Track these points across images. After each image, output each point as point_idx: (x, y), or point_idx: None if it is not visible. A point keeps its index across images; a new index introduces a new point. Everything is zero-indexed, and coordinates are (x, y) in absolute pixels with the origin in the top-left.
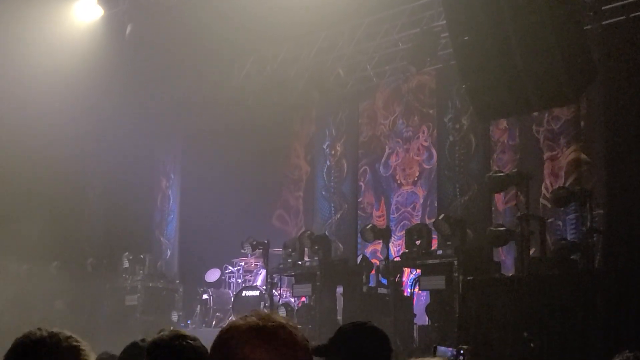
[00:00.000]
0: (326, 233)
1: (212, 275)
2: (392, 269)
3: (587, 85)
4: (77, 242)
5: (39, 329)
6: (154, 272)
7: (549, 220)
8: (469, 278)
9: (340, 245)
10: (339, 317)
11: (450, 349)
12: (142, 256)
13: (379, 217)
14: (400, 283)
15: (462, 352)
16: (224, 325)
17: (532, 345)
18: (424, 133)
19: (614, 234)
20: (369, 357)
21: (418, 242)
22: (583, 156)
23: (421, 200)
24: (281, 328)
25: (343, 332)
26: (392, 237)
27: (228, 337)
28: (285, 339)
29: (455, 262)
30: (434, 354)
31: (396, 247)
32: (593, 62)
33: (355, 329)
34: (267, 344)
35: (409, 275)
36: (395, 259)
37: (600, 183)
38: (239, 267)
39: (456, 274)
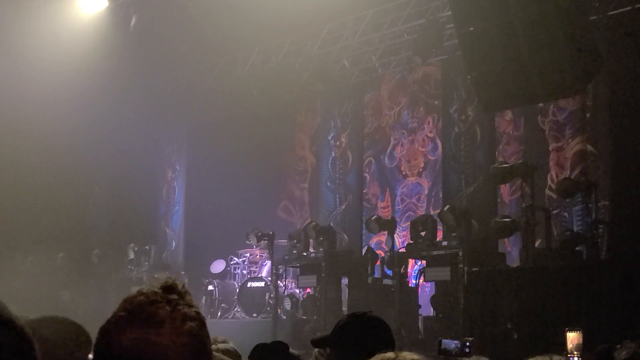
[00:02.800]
0: (331, 224)
1: (217, 266)
2: (397, 260)
3: (593, 76)
4: (83, 233)
5: None
6: (160, 263)
7: (555, 212)
8: (474, 269)
9: (345, 236)
10: (344, 308)
11: (455, 341)
12: (147, 247)
13: (384, 208)
14: (405, 274)
15: (467, 344)
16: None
17: (515, 337)
18: (429, 124)
19: (620, 225)
20: (370, 346)
21: (423, 233)
22: (589, 147)
23: (426, 192)
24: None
25: (343, 323)
26: (397, 228)
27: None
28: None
29: (460, 253)
30: (439, 347)
31: (401, 238)
32: (598, 53)
33: (355, 319)
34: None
35: (413, 267)
36: (400, 250)
37: (606, 174)
38: (244, 258)
39: (461, 265)
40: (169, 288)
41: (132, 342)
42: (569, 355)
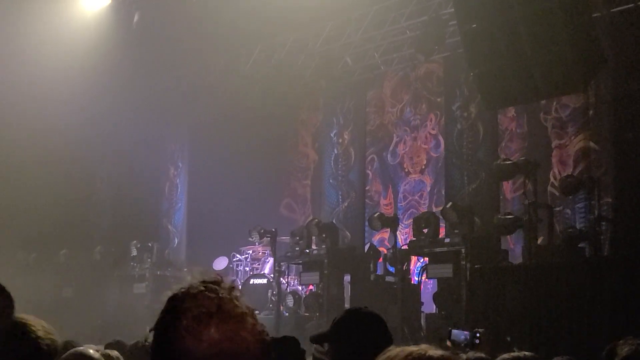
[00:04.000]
0: (334, 221)
1: (220, 263)
2: (400, 257)
3: (596, 73)
4: (85, 230)
5: None
6: (162, 260)
7: (558, 209)
8: (476, 266)
9: (348, 233)
10: (347, 305)
11: (465, 332)
12: (150, 244)
13: (387, 205)
14: (407, 271)
15: (477, 335)
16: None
17: (515, 349)
18: (431, 121)
19: (622, 222)
20: (367, 341)
21: (425, 230)
22: (591, 144)
23: (428, 189)
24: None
25: (339, 319)
26: (400, 226)
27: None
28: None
29: (463, 250)
30: (449, 337)
31: (403, 236)
32: (602, 50)
33: (351, 315)
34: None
35: (416, 264)
36: (402, 247)
37: (609, 171)
38: (246, 255)
39: (464, 262)
40: (229, 287)
41: (221, 337)
42: None
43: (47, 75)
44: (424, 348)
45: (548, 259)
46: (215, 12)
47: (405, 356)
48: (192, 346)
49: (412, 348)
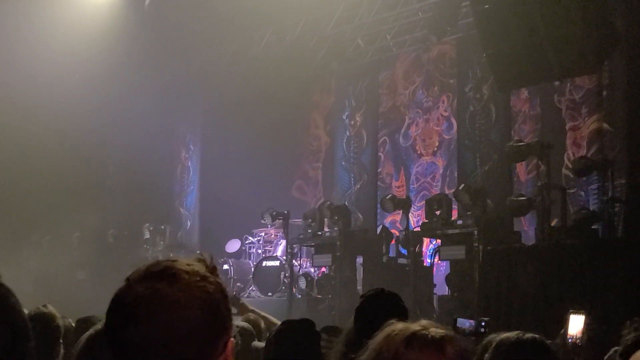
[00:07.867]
0: (346, 203)
1: (233, 245)
2: (412, 239)
3: (610, 53)
4: (98, 213)
5: None
6: (175, 242)
7: (571, 191)
8: (489, 248)
9: (360, 215)
10: (359, 288)
11: (470, 320)
12: (162, 227)
13: (399, 187)
14: (420, 253)
15: (483, 323)
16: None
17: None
18: (444, 103)
19: (636, 203)
20: (380, 318)
21: (438, 212)
22: (605, 126)
23: (441, 171)
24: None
25: (359, 307)
26: (412, 208)
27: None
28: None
29: (476, 232)
30: (454, 326)
31: (416, 218)
32: (615, 30)
33: (366, 300)
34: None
35: (428, 246)
36: (415, 229)
37: (623, 153)
38: (259, 238)
39: (476, 244)
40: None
41: (144, 291)
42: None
43: (60, 61)
44: (425, 325)
45: (561, 240)
46: None
47: (407, 336)
48: (121, 297)
49: (414, 327)
